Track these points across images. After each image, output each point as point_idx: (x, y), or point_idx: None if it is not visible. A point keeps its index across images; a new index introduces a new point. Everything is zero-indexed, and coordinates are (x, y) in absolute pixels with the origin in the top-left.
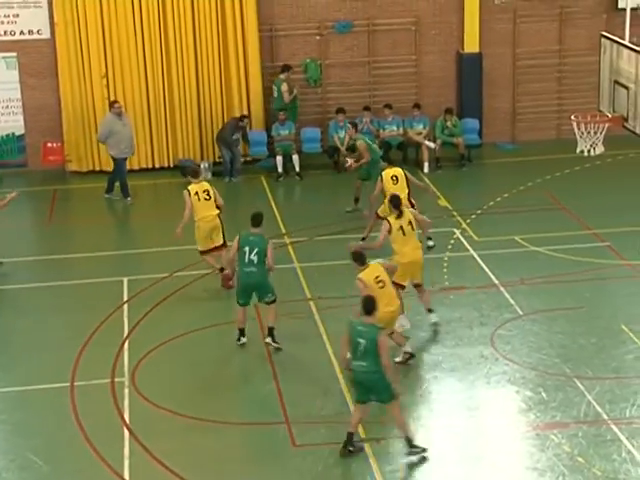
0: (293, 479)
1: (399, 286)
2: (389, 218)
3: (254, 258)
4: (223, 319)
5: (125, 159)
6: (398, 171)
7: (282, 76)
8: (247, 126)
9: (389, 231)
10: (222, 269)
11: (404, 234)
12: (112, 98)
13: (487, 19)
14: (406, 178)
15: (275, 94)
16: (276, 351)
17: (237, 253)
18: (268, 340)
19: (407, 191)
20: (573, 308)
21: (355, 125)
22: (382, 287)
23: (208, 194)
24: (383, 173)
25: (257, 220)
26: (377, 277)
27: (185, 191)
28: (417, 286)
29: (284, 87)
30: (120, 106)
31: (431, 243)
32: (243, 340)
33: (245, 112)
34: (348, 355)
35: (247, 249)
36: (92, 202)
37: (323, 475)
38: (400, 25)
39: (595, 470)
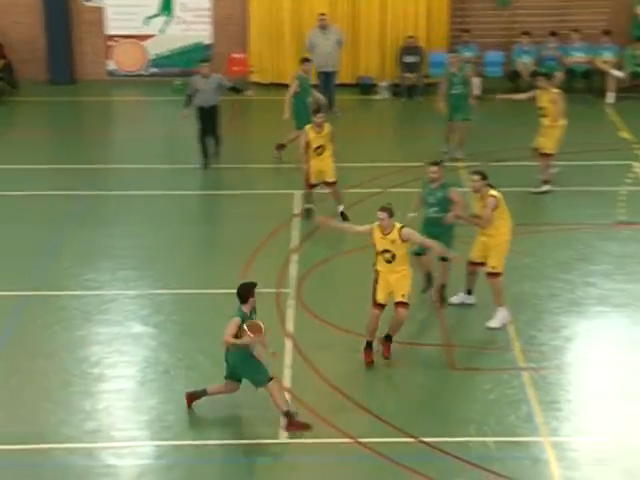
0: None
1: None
2: (496, 193)
3: None
4: None
5: (325, 73)
6: None
7: None
8: (423, 48)
9: (496, 207)
10: None
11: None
12: (300, 11)
13: None
14: None
15: None
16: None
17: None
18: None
19: None
20: None
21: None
22: None
23: None
24: None
25: None
26: None
27: None
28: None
29: None
30: (323, 18)
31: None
32: None
33: (421, 32)
34: None
35: None
36: (270, 114)
37: (479, 399)
38: None
39: None
